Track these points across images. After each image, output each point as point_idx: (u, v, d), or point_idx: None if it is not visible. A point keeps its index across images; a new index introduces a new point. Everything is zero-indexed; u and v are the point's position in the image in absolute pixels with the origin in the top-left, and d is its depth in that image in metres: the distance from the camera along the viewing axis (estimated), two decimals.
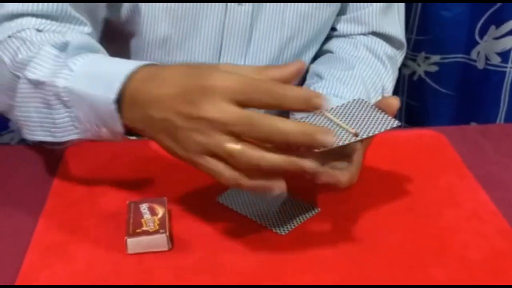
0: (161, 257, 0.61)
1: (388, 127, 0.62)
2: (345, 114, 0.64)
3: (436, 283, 0.59)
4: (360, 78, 0.83)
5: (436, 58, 1.34)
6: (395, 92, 1.43)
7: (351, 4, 0.90)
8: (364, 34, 0.91)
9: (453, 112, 1.41)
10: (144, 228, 0.62)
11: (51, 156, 0.78)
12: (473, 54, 1.33)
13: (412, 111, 1.42)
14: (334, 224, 0.67)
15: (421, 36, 1.32)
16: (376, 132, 0.62)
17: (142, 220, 0.63)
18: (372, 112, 0.64)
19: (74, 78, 0.62)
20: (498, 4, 1.25)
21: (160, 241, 0.61)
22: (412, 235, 0.65)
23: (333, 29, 0.92)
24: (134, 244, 0.61)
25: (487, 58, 1.32)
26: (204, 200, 0.70)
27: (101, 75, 0.61)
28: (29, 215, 0.67)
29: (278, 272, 0.60)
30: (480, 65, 1.33)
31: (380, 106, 0.65)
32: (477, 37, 1.31)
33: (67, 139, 0.66)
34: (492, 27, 1.28)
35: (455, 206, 0.70)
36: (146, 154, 0.79)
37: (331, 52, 0.92)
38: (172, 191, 0.70)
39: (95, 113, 0.61)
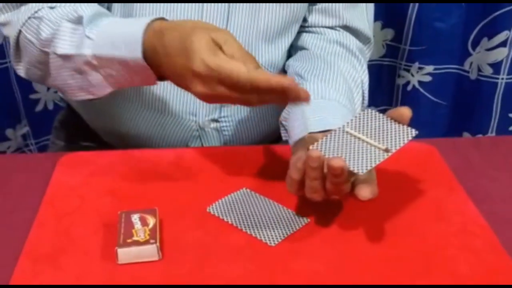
0: (152, 267, 0.62)
1: (410, 138, 0.64)
2: (364, 129, 0.66)
3: None
4: (341, 75, 0.84)
5: (429, 68, 1.35)
6: (389, 101, 1.45)
7: None
8: (334, 28, 0.92)
9: (446, 122, 1.42)
10: (135, 238, 0.62)
11: (45, 165, 0.79)
12: (466, 65, 1.34)
13: None
14: (323, 235, 0.67)
15: (415, 46, 1.33)
16: (402, 145, 0.64)
17: (133, 230, 0.63)
18: (388, 123, 0.66)
19: (96, 45, 0.71)
20: (491, 16, 1.26)
21: (150, 251, 0.62)
22: (401, 248, 0.66)
23: (304, 20, 0.93)
24: (124, 254, 0.61)
25: (479, 69, 1.33)
26: (195, 210, 0.70)
27: (119, 37, 0.69)
28: (22, 224, 0.68)
29: (267, 283, 0.61)
30: (473, 75, 1.34)
31: (393, 117, 0.67)
32: (470, 49, 1.32)
33: (105, 93, 0.76)
34: (485, 39, 1.30)
35: (444, 219, 0.70)
36: (140, 165, 0.79)
37: (305, 48, 0.93)
38: (164, 202, 0.71)
39: (126, 68, 0.69)
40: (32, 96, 1.36)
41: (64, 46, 0.73)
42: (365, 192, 0.63)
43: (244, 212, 0.70)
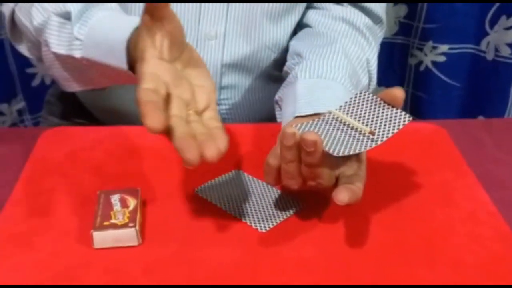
0: (131, 253, 0.57)
1: (401, 126, 0.58)
2: (356, 114, 0.61)
3: (423, 284, 0.55)
4: (343, 53, 0.78)
5: (444, 48, 1.29)
6: (401, 82, 1.39)
7: None
8: (340, 4, 0.86)
9: (460, 105, 1.36)
10: (113, 221, 0.58)
11: (27, 140, 0.75)
12: (483, 45, 1.28)
13: (418, 102, 1.37)
14: (319, 222, 0.62)
15: (429, 24, 1.27)
16: (391, 134, 0.58)
17: (111, 213, 0.59)
18: (381, 108, 0.60)
19: (85, 47, 0.67)
20: None
21: (129, 235, 0.57)
22: (401, 235, 0.61)
23: None
24: (100, 238, 0.57)
25: (496, 50, 1.26)
26: (182, 192, 0.66)
27: (106, 44, 0.64)
28: None
29: (254, 271, 0.56)
30: (489, 56, 1.28)
31: (385, 99, 0.61)
32: (487, 27, 1.26)
33: (106, 86, 0.73)
34: (503, 17, 1.23)
35: (451, 205, 0.66)
36: (128, 142, 0.75)
37: (309, 26, 0.87)
38: (150, 181, 0.67)
39: (116, 73, 0.65)
40: (29, 70, 1.32)
41: (55, 43, 0.70)
42: (343, 196, 0.56)
43: (235, 195, 0.65)
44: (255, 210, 0.63)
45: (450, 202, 0.66)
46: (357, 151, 0.57)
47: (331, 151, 0.57)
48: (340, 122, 0.61)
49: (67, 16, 0.69)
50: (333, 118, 0.61)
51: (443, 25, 1.26)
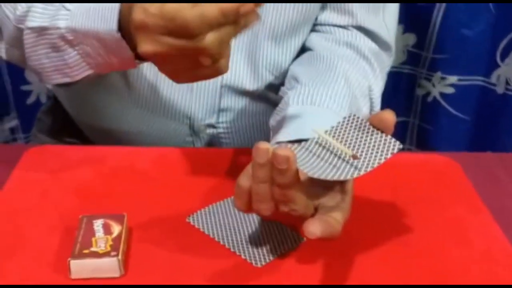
0: (112, 284, 0.52)
1: (389, 155, 0.52)
2: (340, 138, 0.55)
3: None
4: (343, 79, 0.73)
5: (453, 79, 1.25)
6: (407, 112, 1.35)
7: None
8: (346, 28, 0.81)
9: (468, 139, 1.32)
10: (93, 249, 0.52)
11: (10, 156, 0.70)
12: (493, 78, 1.24)
13: (424, 134, 1.32)
14: (321, 258, 0.57)
15: (438, 54, 1.23)
16: (377, 164, 0.52)
17: (93, 239, 0.54)
18: (370, 133, 0.55)
19: (72, 16, 0.63)
20: None
21: (110, 265, 0.52)
22: (410, 274, 0.56)
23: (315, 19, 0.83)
24: (78, 267, 0.51)
25: (507, 83, 1.22)
26: (172, 220, 0.61)
27: (97, 8, 0.61)
28: None
29: None
30: (500, 89, 1.23)
31: (374, 124, 0.55)
32: (498, 59, 1.21)
33: (83, 76, 0.67)
34: None
35: (465, 243, 0.61)
36: (116, 163, 0.70)
37: (310, 49, 0.82)
38: (138, 207, 0.62)
39: (103, 45, 0.62)
40: (24, 88, 1.27)
41: (37, 18, 0.66)
42: (313, 228, 0.50)
43: (230, 225, 0.60)
44: (251, 243, 0.58)
45: (464, 239, 0.61)
46: (335, 178, 0.51)
47: (305, 171, 0.51)
48: (323, 148, 0.55)
49: None
50: (315, 143, 0.56)
51: (453, 56, 1.22)
